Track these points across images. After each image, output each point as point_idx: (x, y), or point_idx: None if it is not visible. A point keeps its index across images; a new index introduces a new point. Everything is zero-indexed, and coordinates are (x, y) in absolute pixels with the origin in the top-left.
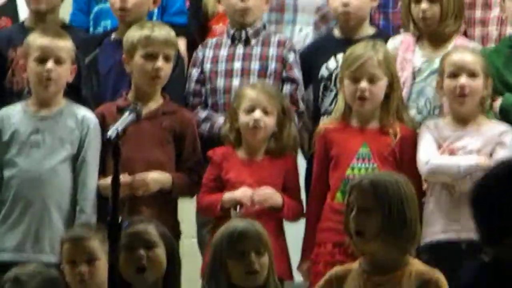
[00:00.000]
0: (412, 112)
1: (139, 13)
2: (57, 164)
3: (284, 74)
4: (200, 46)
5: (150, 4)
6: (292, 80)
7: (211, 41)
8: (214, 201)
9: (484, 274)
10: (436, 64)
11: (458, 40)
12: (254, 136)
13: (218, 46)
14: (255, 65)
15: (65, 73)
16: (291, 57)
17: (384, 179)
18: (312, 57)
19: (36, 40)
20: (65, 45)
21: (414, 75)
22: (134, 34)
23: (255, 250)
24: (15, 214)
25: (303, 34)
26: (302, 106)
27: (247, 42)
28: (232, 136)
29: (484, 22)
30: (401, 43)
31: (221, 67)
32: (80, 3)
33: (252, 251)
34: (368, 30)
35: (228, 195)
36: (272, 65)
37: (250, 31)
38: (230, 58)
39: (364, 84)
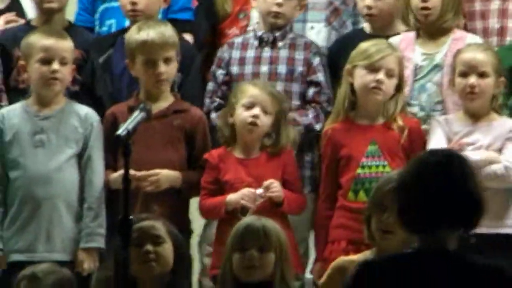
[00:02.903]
0: (415, 109)
1: (150, 13)
2: (63, 163)
3: (308, 78)
4: (226, 46)
5: (161, 2)
6: (316, 84)
7: (236, 40)
8: (217, 203)
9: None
10: (436, 60)
11: (456, 34)
12: (250, 133)
13: (244, 47)
14: (282, 69)
15: (68, 73)
16: (316, 60)
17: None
18: (340, 50)
19: (40, 41)
20: (68, 45)
21: (416, 72)
22: (132, 39)
23: (257, 246)
24: (24, 214)
25: (315, 31)
26: (327, 107)
27: (274, 45)
28: (226, 132)
29: (483, 15)
30: (400, 42)
31: (248, 69)
32: (85, 2)
33: (254, 247)
34: (399, 27)
35: (231, 198)
36: (299, 69)
37: (277, 33)
38: (257, 61)
39: (381, 75)
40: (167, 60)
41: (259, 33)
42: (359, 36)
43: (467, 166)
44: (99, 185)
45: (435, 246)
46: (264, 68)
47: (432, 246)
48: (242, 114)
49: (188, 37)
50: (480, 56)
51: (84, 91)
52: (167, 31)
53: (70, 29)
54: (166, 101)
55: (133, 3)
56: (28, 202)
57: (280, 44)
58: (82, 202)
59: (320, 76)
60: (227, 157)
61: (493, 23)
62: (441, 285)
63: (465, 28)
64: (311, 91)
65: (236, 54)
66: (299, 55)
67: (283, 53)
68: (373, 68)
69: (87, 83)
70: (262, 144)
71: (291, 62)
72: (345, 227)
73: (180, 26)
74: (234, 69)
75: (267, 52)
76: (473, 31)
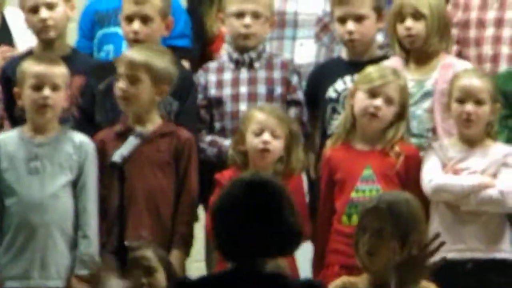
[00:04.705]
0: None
1: (151, 42)
2: (58, 190)
3: (288, 97)
4: (200, 71)
5: (162, 31)
6: (297, 103)
7: (212, 65)
8: None
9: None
10: (426, 86)
11: (446, 60)
12: (263, 159)
13: (220, 70)
14: (261, 89)
15: (61, 99)
16: (294, 79)
17: (398, 202)
18: (319, 79)
19: (31, 67)
20: (60, 71)
21: None
22: None
23: None
24: (19, 241)
25: (304, 48)
26: (308, 127)
27: (251, 66)
28: (239, 159)
29: (478, 42)
30: None
31: (227, 92)
32: (85, 29)
33: None
34: (376, 52)
35: None
36: (278, 89)
37: (253, 54)
38: (235, 83)
39: (379, 102)
40: (133, 80)
41: (235, 56)
42: (336, 63)
43: (285, 193)
44: (94, 213)
45: (250, 269)
46: (243, 90)
47: (247, 268)
48: (252, 142)
49: (186, 64)
50: (477, 83)
51: (84, 117)
52: (136, 51)
53: (73, 56)
54: (153, 124)
55: (135, 33)
56: (23, 229)
57: (257, 65)
58: (77, 229)
59: (299, 95)
60: None
61: (487, 49)
62: None
63: (459, 55)
64: (292, 112)
65: (212, 77)
66: (277, 75)
67: (261, 74)
68: (373, 93)
69: (86, 109)
70: (274, 169)
71: (270, 82)
72: (338, 252)
73: (177, 52)
74: (212, 92)
75: (244, 74)
76: (466, 57)
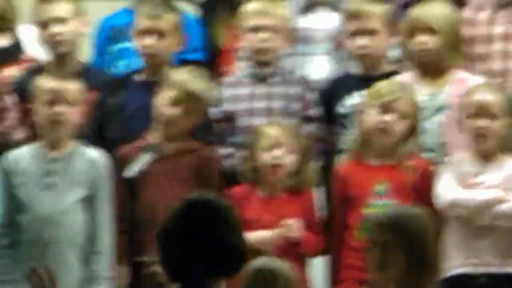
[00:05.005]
0: None
1: (164, 57)
2: (70, 205)
3: (304, 113)
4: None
5: (175, 46)
6: (312, 119)
7: (227, 79)
8: None
9: None
10: (439, 101)
11: (459, 74)
12: (275, 174)
13: (236, 84)
14: (277, 105)
15: (74, 115)
16: (310, 96)
17: (405, 216)
18: (331, 95)
19: (45, 83)
20: (74, 87)
21: None
22: None
23: None
24: (32, 257)
25: (316, 64)
26: (322, 144)
27: (267, 81)
28: (251, 175)
29: (486, 57)
30: None
31: (243, 106)
32: (100, 45)
33: None
34: (388, 66)
35: (248, 238)
36: (294, 105)
37: (269, 69)
38: (251, 98)
39: (390, 117)
40: (185, 110)
41: (251, 70)
42: (348, 78)
43: (227, 213)
44: (107, 228)
45: None
46: (259, 105)
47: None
48: (264, 157)
49: None
50: (490, 98)
51: (96, 133)
52: (193, 80)
53: (85, 71)
54: (176, 141)
55: (148, 47)
56: (36, 244)
57: (273, 80)
58: (90, 245)
59: (315, 111)
60: (251, 194)
61: (496, 65)
62: None
63: (468, 70)
64: (308, 128)
65: (228, 92)
66: (293, 90)
67: (277, 89)
68: (384, 109)
69: (98, 125)
70: (286, 184)
71: (286, 98)
72: (352, 267)
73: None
74: (228, 107)
75: (260, 89)
76: (476, 73)
